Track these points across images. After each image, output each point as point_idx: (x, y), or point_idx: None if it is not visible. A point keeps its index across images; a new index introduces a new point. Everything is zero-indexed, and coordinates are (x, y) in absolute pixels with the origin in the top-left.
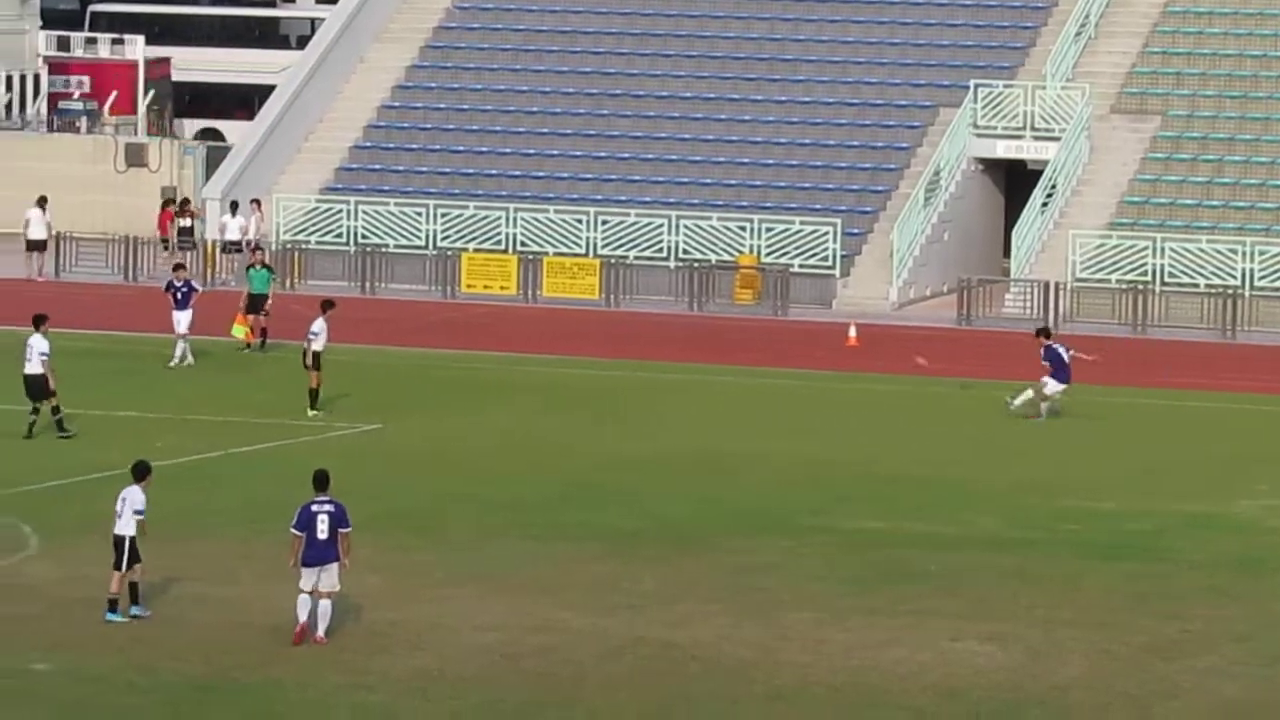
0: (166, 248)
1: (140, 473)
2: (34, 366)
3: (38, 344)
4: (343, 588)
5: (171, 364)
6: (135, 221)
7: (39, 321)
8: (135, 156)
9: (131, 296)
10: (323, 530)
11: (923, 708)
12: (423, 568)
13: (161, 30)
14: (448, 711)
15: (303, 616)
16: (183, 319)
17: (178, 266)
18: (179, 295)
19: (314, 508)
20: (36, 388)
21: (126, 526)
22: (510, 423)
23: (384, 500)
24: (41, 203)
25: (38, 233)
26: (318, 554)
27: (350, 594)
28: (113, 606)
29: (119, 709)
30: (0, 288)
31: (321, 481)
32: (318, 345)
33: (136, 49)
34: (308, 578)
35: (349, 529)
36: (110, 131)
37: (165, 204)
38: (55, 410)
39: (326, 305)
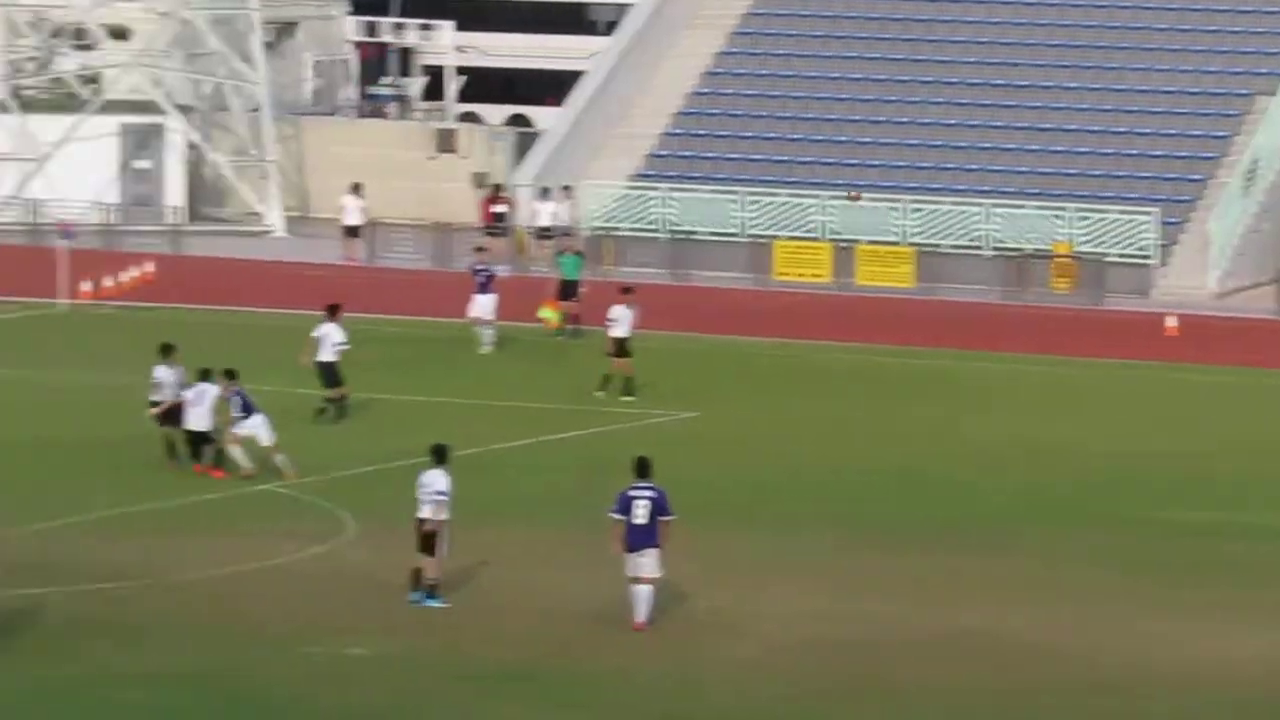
0: (490, 234)
1: (440, 455)
2: (326, 354)
3: (334, 333)
4: (663, 575)
5: (482, 349)
6: (445, 207)
7: (333, 311)
8: (445, 142)
9: (443, 282)
10: (641, 516)
11: (1249, 701)
12: (741, 555)
13: (470, 15)
14: (765, 700)
15: (636, 607)
16: (485, 304)
17: (478, 249)
18: (481, 280)
19: (633, 493)
20: (330, 375)
21: (429, 511)
22: (826, 410)
23: (701, 487)
24: (356, 189)
25: (353, 218)
26: (636, 539)
27: (669, 581)
28: (431, 591)
29: (436, 695)
30: (316, 273)
31: (643, 468)
32: (618, 331)
33: (444, 35)
34: (629, 564)
35: (671, 517)
36: (420, 117)
37: (488, 190)
38: (333, 400)
39: (625, 291)
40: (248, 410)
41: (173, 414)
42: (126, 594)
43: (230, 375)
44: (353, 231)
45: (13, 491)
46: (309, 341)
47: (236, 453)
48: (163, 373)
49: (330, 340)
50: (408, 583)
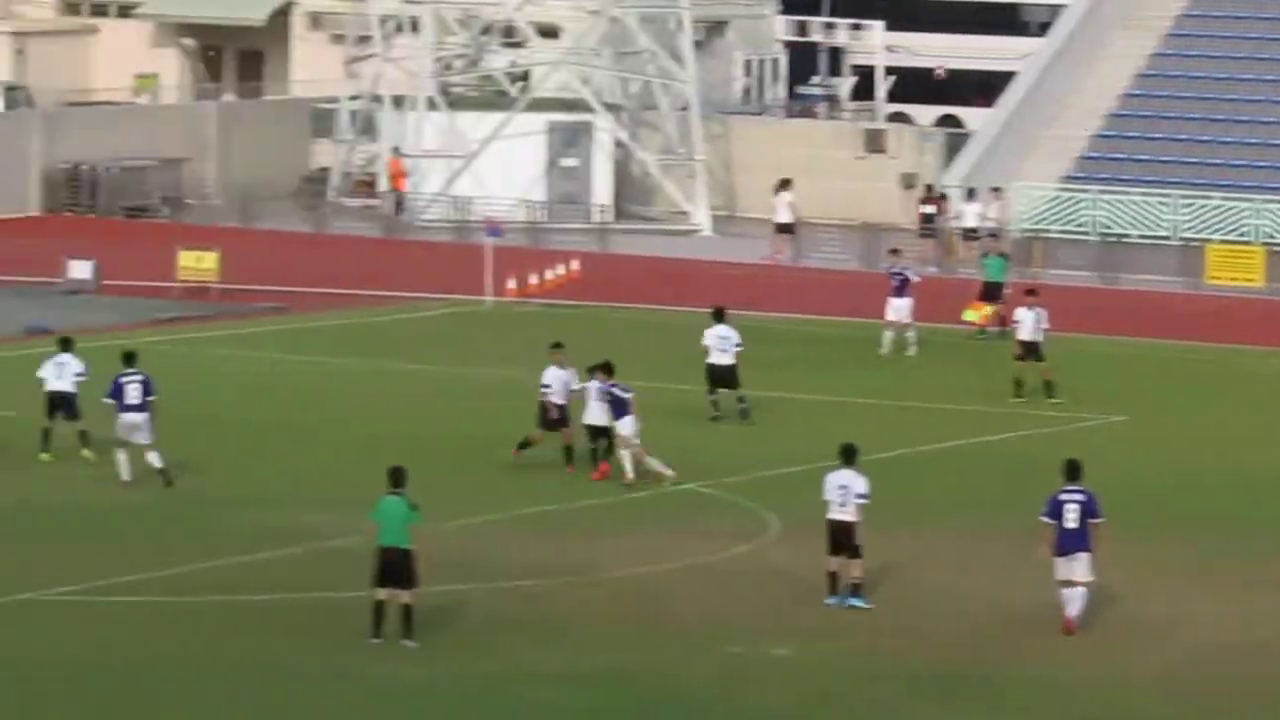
0: (921, 236)
1: (849, 456)
2: (728, 358)
3: (733, 336)
4: (1094, 579)
5: (882, 351)
6: (872, 208)
7: (719, 313)
8: (874, 143)
9: (869, 283)
10: (1071, 520)
11: None
12: (1169, 560)
13: (900, 15)
14: (1192, 706)
15: (1067, 609)
16: (900, 306)
17: (893, 251)
18: (896, 283)
19: (1063, 497)
20: (730, 376)
21: (847, 511)
22: (1255, 416)
23: (1130, 491)
24: (785, 185)
25: (784, 216)
26: (1067, 543)
27: (1095, 586)
28: (855, 590)
29: (857, 696)
30: (739, 272)
31: (1073, 471)
32: (1024, 334)
33: (874, 34)
34: (1060, 568)
35: (1101, 519)
36: (849, 117)
37: (923, 191)
38: (714, 393)
39: (1029, 293)
40: (617, 408)
41: (559, 414)
42: (545, 591)
43: (608, 370)
44: (784, 229)
45: (434, 488)
46: (703, 348)
47: (655, 463)
48: (553, 373)
49: (732, 341)
50: (825, 585)
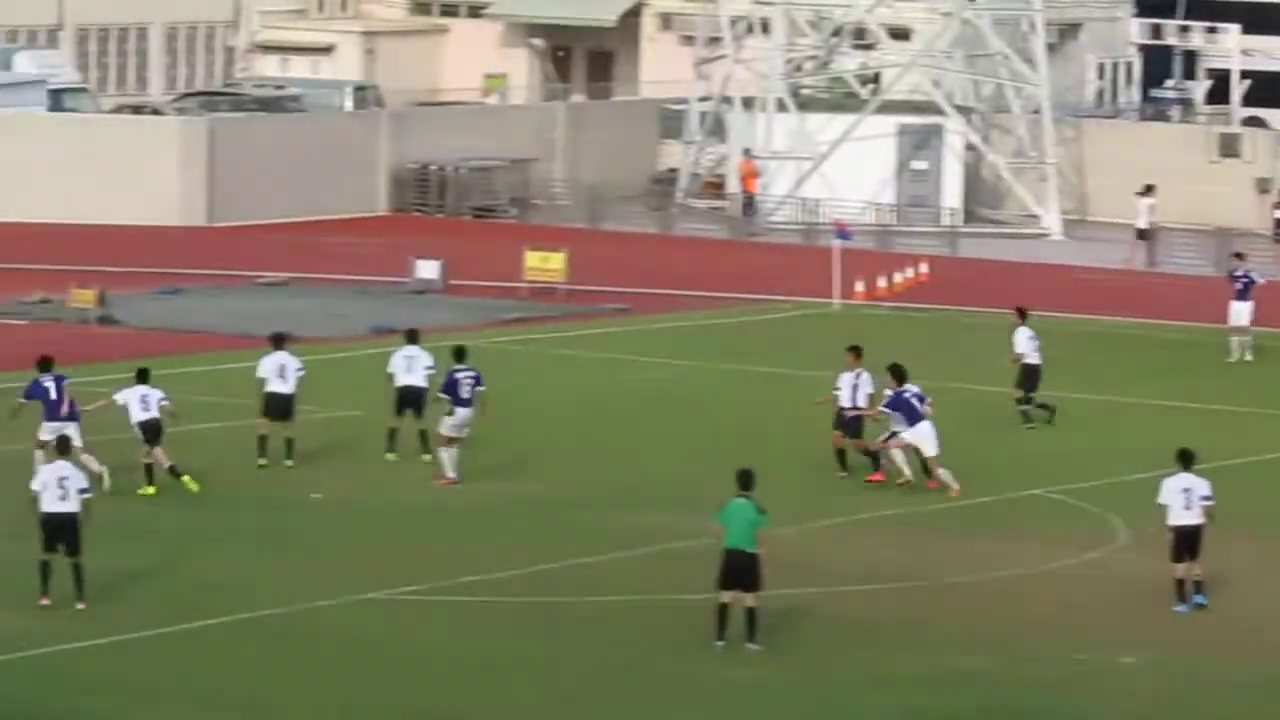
0: (1277, 240)
1: (1187, 460)
2: (1037, 358)
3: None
4: None
5: (1231, 359)
6: (1226, 212)
7: (1022, 313)
8: (1228, 147)
9: (1222, 288)
10: None
11: None
12: None
13: (1256, 19)
14: None
15: None
16: (1241, 311)
17: (1236, 255)
18: (1239, 286)
19: None
20: (1037, 380)
21: (1193, 515)
22: None
23: None
24: (1148, 190)
25: (1144, 221)
26: None
27: None
28: (1199, 587)
29: (1208, 704)
30: (1088, 277)
31: None
32: None
33: (1230, 38)
34: None
35: None
36: (1203, 121)
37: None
38: (1031, 401)
39: None
40: (907, 414)
41: (850, 420)
42: (888, 596)
43: (897, 374)
44: (1143, 234)
45: (777, 491)
46: (1019, 353)
47: (898, 457)
48: (843, 377)
49: (1038, 343)
50: (1173, 592)
